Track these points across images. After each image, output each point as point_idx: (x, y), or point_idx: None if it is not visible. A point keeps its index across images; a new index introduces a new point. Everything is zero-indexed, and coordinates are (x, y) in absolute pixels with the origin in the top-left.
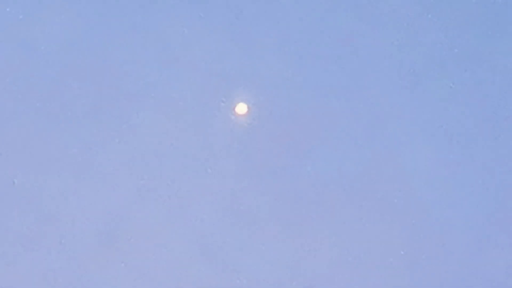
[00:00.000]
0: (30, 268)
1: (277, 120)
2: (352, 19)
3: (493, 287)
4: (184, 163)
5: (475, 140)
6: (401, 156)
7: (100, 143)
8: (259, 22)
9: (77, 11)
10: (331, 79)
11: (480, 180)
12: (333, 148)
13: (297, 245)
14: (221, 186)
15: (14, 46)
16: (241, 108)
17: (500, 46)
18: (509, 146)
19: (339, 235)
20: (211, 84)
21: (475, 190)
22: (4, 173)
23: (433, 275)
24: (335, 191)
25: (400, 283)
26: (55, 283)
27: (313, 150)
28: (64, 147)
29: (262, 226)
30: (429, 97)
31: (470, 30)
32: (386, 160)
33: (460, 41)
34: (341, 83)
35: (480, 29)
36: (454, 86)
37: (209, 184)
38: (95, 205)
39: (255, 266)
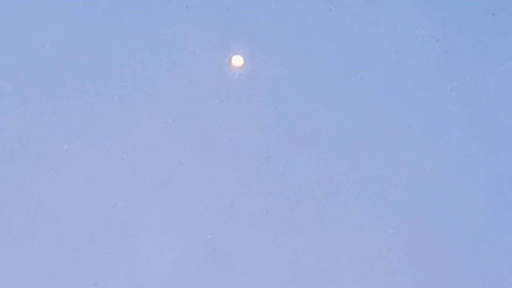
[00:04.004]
0: (29, 268)
1: (276, 116)
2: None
3: (493, 287)
4: (184, 162)
5: (475, 140)
6: (400, 155)
7: (99, 141)
8: None
9: (76, 10)
10: (331, 78)
11: (480, 181)
12: (332, 147)
13: (297, 244)
14: (221, 185)
15: (14, 45)
16: (238, 61)
17: (501, 45)
18: (509, 146)
19: (339, 234)
20: (211, 85)
21: (475, 190)
22: (4, 172)
23: (433, 275)
24: (333, 187)
25: (400, 283)
26: (54, 283)
27: (310, 148)
28: (64, 146)
29: (262, 225)
30: (429, 97)
31: (470, 29)
32: (386, 158)
33: (461, 40)
34: (342, 75)
35: (481, 28)
36: (455, 86)
37: (209, 184)
38: (95, 205)
39: (255, 265)
